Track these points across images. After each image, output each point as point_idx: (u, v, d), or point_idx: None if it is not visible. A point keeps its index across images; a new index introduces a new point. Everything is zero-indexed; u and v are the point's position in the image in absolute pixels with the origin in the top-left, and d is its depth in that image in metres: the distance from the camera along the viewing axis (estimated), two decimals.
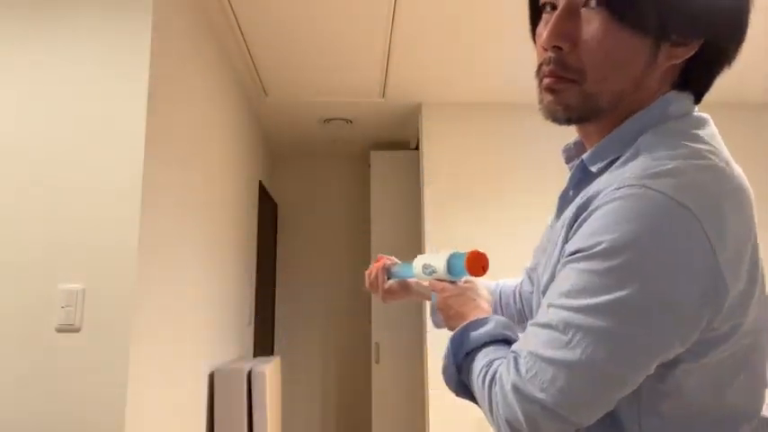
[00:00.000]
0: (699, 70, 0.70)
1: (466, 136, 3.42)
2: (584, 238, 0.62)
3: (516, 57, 2.86)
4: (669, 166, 0.60)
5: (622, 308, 0.58)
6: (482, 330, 0.78)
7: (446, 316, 0.90)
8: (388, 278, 1.10)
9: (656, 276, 0.58)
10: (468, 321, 0.80)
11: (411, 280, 1.09)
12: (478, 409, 0.92)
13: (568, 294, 0.62)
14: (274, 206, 4.41)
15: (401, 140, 4.17)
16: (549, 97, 0.69)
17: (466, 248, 0.92)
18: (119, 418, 1.55)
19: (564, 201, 0.75)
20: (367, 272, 1.13)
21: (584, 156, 0.71)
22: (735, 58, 0.69)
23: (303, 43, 2.69)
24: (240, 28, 2.54)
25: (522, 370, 0.63)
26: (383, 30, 2.58)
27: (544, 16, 0.71)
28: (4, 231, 1.62)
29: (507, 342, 0.75)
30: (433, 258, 0.95)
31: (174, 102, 1.96)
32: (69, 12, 1.73)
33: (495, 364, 0.70)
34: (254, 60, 2.86)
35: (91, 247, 1.62)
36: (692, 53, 0.67)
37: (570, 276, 0.62)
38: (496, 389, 0.67)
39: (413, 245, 3.72)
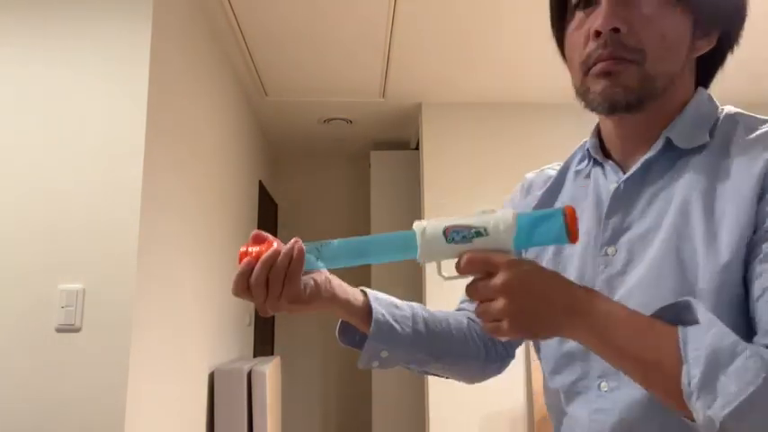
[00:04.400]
0: (711, 64, 0.73)
1: (466, 136, 3.42)
2: None
3: (516, 56, 2.86)
4: None
5: None
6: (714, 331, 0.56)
7: (529, 309, 0.58)
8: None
9: None
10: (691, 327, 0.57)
11: (326, 275, 0.73)
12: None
13: None
14: (274, 206, 4.41)
15: (401, 140, 4.17)
16: (604, 82, 0.68)
17: None
18: (119, 417, 1.55)
19: (636, 188, 0.71)
20: (248, 261, 0.68)
21: (671, 135, 0.69)
22: (729, 52, 0.73)
23: (303, 43, 2.69)
24: (240, 28, 2.54)
25: None
26: (383, 30, 2.58)
27: (578, 14, 0.71)
28: (4, 232, 1.62)
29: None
30: (474, 219, 0.61)
31: (173, 101, 1.96)
32: (69, 12, 1.73)
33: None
34: (254, 60, 2.86)
35: (91, 247, 1.62)
36: (712, 46, 0.71)
37: None
38: None
39: None
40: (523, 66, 2.94)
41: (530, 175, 0.91)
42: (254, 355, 3.55)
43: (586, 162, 0.80)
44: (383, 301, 0.79)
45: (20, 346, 1.57)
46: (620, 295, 0.68)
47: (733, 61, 0.75)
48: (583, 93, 0.71)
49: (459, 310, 0.93)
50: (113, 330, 1.59)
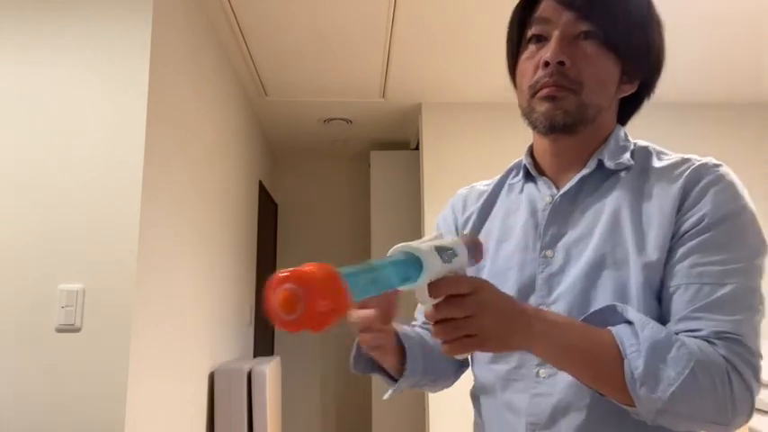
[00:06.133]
0: (631, 105, 0.88)
1: (466, 136, 3.42)
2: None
3: None
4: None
5: None
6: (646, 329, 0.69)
7: (499, 324, 0.64)
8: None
9: None
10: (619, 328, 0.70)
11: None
12: None
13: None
14: (274, 206, 4.41)
15: (401, 140, 4.17)
16: (547, 105, 0.80)
17: None
18: (119, 417, 1.55)
19: (571, 201, 0.84)
20: (365, 321, 0.73)
21: (603, 158, 0.83)
22: (647, 98, 0.88)
23: (303, 43, 2.69)
24: (240, 28, 2.54)
25: None
26: (383, 30, 2.58)
27: (530, 47, 0.84)
28: (4, 231, 1.62)
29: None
30: (445, 241, 0.65)
31: (174, 102, 1.96)
32: (69, 12, 1.73)
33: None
34: (254, 60, 2.86)
35: (91, 247, 1.62)
36: (633, 91, 0.85)
37: None
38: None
39: None
40: None
41: (463, 191, 1.04)
42: (254, 355, 3.55)
43: (520, 177, 0.93)
44: (404, 335, 0.86)
45: (20, 346, 1.57)
46: (558, 291, 0.80)
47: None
48: (528, 112, 0.83)
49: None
50: (113, 330, 1.59)
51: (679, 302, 0.72)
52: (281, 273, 0.46)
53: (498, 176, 0.99)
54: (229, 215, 2.89)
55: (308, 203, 4.57)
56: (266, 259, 3.99)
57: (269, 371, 2.61)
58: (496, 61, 3.22)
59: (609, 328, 0.70)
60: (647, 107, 0.89)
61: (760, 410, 2.43)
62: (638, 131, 0.92)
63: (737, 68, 3.01)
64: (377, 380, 0.89)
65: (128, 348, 1.58)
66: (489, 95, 3.34)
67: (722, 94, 3.33)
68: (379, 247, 3.83)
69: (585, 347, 0.68)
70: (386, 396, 0.88)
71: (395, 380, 0.88)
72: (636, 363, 0.66)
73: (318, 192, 4.60)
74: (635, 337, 0.67)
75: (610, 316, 0.72)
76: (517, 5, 0.88)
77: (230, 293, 2.92)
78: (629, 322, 0.70)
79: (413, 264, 0.59)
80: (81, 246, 1.62)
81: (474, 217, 0.96)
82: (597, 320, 0.72)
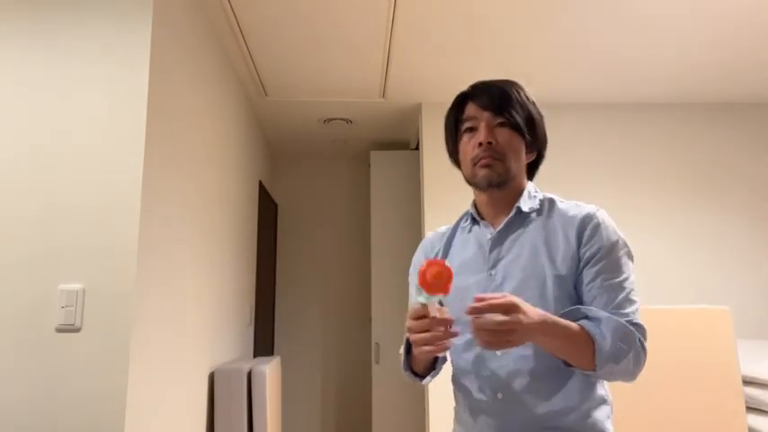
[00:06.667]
0: (533, 168, 1.32)
1: None
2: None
3: (516, 56, 2.86)
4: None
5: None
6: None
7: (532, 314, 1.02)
8: None
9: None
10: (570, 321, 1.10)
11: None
12: None
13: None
14: (274, 206, 4.41)
15: (401, 140, 4.17)
16: (485, 170, 1.22)
17: None
18: (119, 418, 1.55)
19: (503, 236, 1.24)
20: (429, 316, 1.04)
21: (520, 205, 1.24)
22: (541, 162, 1.33)
23: (303, 43, 2.69)
24: (240, 28, 2.54)
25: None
26: (383, 30, 2.58)
27: (466, 134, 1.27)
28: (4, 231, 1.62)
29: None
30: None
31: (174, 102, 1.96)
32: (69, 12, 1.73)
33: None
34: (254, 60, 2.86)
35: (91, 247, 1.62)
36: (533, 159, 1.30)
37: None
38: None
39: (413, 245, 3.72)
40: (523, 66, 2.94)
41: (430, 235, 1.40)
42: (254, 355, 3.55)
43: (468, 222, 1.32)
44: None
45: (20, 346, 1.57)
46: None
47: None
48: (471, 177, 1.25)
49: None
50: (113, 330, 1.59)
51: (599, 305, 1.11)
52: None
53: (454, 223, 1.37)
54: (229, 215, 2.89)
55: (308, 203, 4.57)
56: (266, 259, 3.99)
57: (269, 371, 2.61)
58: (497, 61, 3.22)
59: (578, 322, 1.09)
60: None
61: (760, 410, 2.43)
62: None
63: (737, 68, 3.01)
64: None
65: (128, 348, 1.58)
66: None
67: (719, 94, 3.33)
68: (379, 247, 3.83)
69: (568, 334, 1.06)
70: (423, 382, 1.28)
71: (418, 376, 1.27)
72: (603, 343, 1.06)
73: (318, 192, 4.60)
74: (597, 328, 1.08)
75: (576, 314, 1.11)
76: (449, 110, 1.33)
77: (230, 293, 2.92)
78: (587, 317, 1.10)
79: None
80: (81, 246, 1.62)
81: (440, 252, 1.33)
82: (567, 317, 1.09)
